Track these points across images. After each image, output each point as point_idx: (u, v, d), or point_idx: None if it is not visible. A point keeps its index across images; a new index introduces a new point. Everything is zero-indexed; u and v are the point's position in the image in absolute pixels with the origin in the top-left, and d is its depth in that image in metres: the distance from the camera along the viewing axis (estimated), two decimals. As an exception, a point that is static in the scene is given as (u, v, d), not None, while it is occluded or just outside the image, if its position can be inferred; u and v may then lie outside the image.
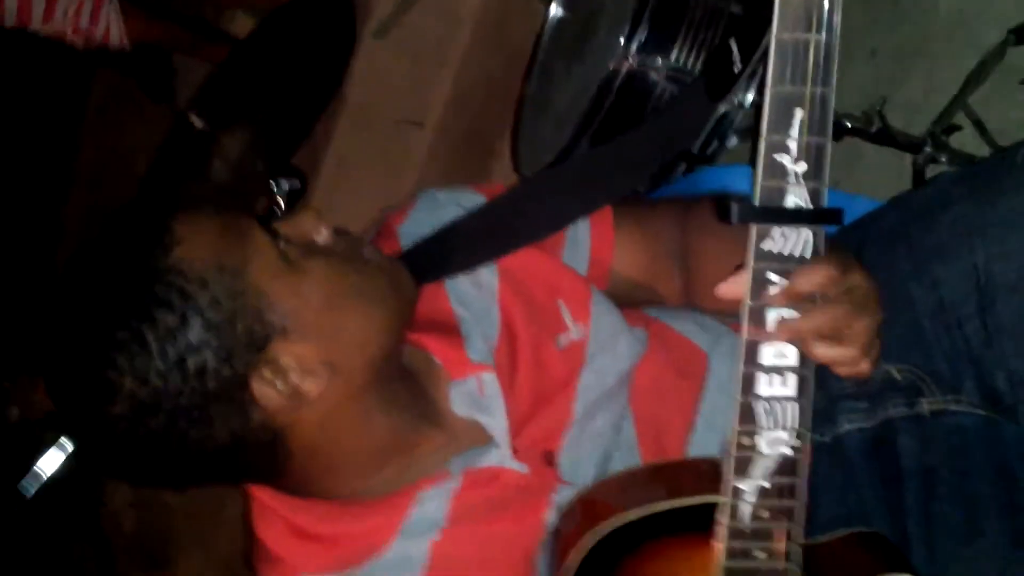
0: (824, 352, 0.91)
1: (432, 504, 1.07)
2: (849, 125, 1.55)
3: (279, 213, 1.70)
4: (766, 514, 0.95)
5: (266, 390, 0.99)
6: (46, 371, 1.02)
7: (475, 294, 1.18)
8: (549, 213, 1.22)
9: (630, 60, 1.59)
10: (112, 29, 2.21)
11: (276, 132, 1.86)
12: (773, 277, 0.89)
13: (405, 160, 2.24)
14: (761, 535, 0.96)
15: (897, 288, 1.17)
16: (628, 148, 1.27)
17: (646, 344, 1.20)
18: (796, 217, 0.87)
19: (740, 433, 0.93)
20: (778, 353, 0.91)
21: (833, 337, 0.91)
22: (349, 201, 2.11)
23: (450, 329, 1.15)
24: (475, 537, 1.07)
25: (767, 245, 0.88)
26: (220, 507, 2.23)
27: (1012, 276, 1.12)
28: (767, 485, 0.94)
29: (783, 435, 0.93)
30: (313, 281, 1.01)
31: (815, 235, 0.88)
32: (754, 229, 0.88)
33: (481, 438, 1.10)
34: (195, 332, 0.96)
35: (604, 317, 1.19)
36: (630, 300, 1.24)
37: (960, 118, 1.59)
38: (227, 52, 1.97)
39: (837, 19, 0.83)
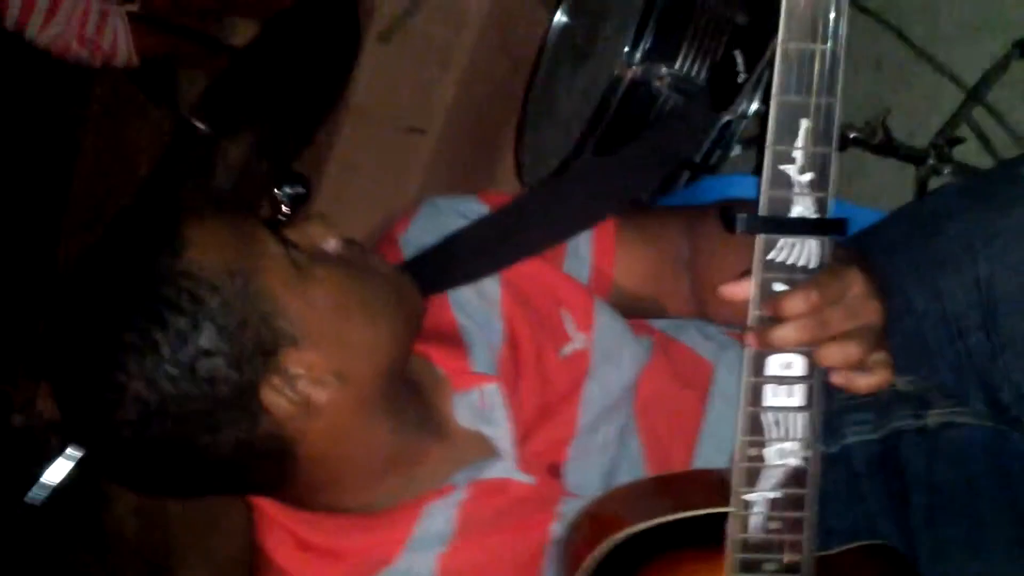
0: (827, 355, 0.91)
1: (439, 517, 1.07)
2: (852, 136, 1.55)
3: (284, 219, 1.70)
4: (776, 526, 0.95)
5: (275, 398, 0.99)
6: (53, 374, 1.01)
7: (478, 304, 1.18)
8: (552, 224, 1.21)
9: (634, 68, 1.59)
10: (120, 42, 2.20)
11: (279, 136, 1.86)
12: (779, 287, 0.89)
13: (408, 165, 2.24)
14: (771, 547, 0.96)
15: (900, 299, 1.17)
16: (631, 158, 1.27)
17: (650, 354, 1.20)
18: (801, 227, 0.87)
19: (748, 444, 0.93)
20: (784, 363, 0.91)
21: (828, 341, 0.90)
22: (352, 207, 2.11)
23: (453, 340, 1.15)
24: (482, 549, 1.07)
25: (773, 255, 0.88)
26: (220, 516, 2.23)
27: (1016, 288, 1.12)
28: (776, 496, 0.94)
29: (791, 446, 0.93)
30: (323, 289, 1.01)
31: (821, 245, 0.88)
32: (760, 239, 0.88)
33: (486, 449, 1.10)
34: (206, 336, 0.95)
35: (608, 327, 1.19)
36: (633, 311, 1.24)
37: (964, 130, 1.59)
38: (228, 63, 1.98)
39: (843, 29, 0.83)
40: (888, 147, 1.57)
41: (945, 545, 1.13)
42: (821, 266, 0.89)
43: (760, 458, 0.93)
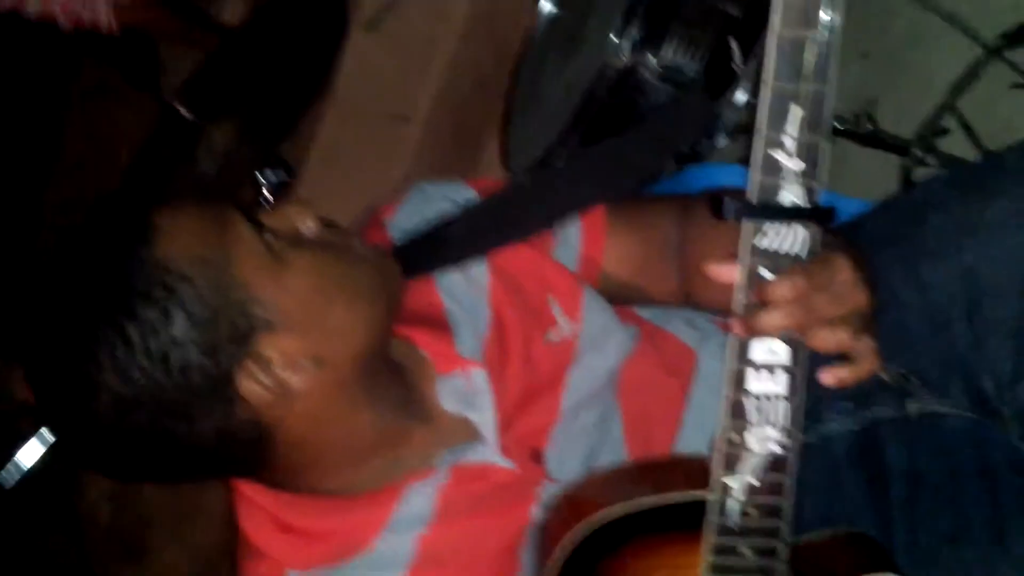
0: (818, 340, 0.91)
1: (419, 499, 1.06)
2: (839, 126, 1.55)
3: (267, 205, 1.70)
4: (754, 511, 0.95)
5: (251, 384, 0.98)
6: (27, 365, 1.01)
7: (465, 289, 1.17)
8: (543, 210, 1.21)
9: (621, 57, 1.59)
10: (99, 10, 2.17)
11: (263, 123, 1.86)
12: (766, 274, 0.89)
13: (393, 153, 2.24)
14: (749, 532, 0.96)
15: (885, 290, 1.17)
16: (626, 146, 1.27)
17: (636, 342, 1.20)
18: (789, 214, 0.87)
19: (729, 429, 0.93)
20: (769, 350, 0.91)
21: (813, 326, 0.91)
22: (336, 194, 2.10)
23: (439, 323, 1.15)
24: (461, 532, 1.07)
25: (761, 242, 0.88)
26: (197, 498, 2.22)
27: (1001, 279, 1.13)
28: (756, 482, 0.94)
29: (773, 432, 0.93)
30: (298, 273, 1.00)
31: (810, 233, 0.88)
32: (747, 225, 0.88)
33: (469, 433, 1.10)
34: (178, 327, 0.95)
35: (595, 314, 1.19)
36: (620, 299, 1.24)
37: (949, 121, 1.59)
38: (217, 41, 1.96)
39: (838, 16, 0.83)
40: (874, 138, 1.58)
41: (924, 534, 1.14)
42: (809, 253, 0.88)
43: (741, 444, 0.93)
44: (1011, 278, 1.13)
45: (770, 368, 0.92)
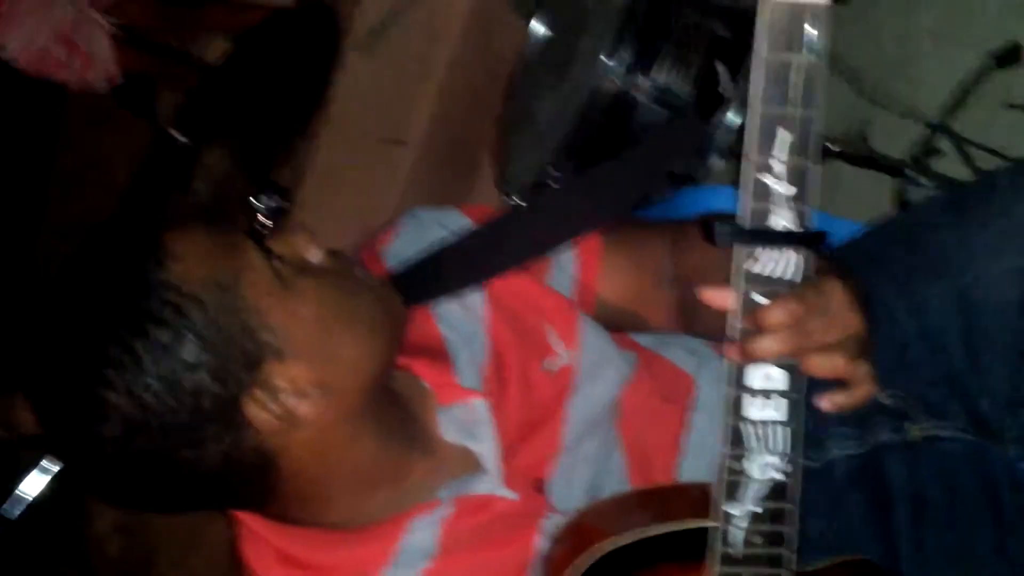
0: (814, 366, 0.90)
1: (423, 533, 1.06)
2: (831, 148, 1.56)
3: (264, 230, 1.69)
4: (758, 539, 0.95)
5: (259, 411, 0.98)
6: (33, 388, 1.00)
7: (463, 318, 1.17)
8: (537, 238, 1.21)
9: (612, 79, 1.60)
10: (99, 51, 2.18)
11: (257, 147, 1.86)
12: (759, 299, 0.88)
13: (388, 176, 2.24)
14: (753, 561, 0.95)
15: (880, 313, 1.17)
16: (619, 170, 1.27)
17: (634, 369, 1.20)
18: (780, 239, 0.87)
19: (729, 457, 0.92)
20: (765, 376, 0.91)
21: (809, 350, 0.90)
22: (331, 218, 2.10)
23: (438, 353, 1.14)
24: (466, 565, 1.06)
25: (753, 267, 0.87)
26: (202, 531, 2.21)
27: (996, 300, 1.13)
28: (758, 510, 0.94)
29: (774, 460, 0.93)
30: (306, 301, 1.00)
31: (803, 257, 0.88)
32: (739, 251, 0.87)
33: (471, 464, 1.10)
34: (189, 350, 0.94)
35: (592, 342, 1.19)
36: (616, 325, 1.24)
37: (942, 142, 1.60)
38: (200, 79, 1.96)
39: (824, 40, 0.82)
40: (866, 159, 1.58)
41: (927, 556, 1.13)
42: (802, 278, 0.88)
43: (742, 471, 0.93)
44: (1006, 299, 1.13)
45: (768, 394, 0.91)
